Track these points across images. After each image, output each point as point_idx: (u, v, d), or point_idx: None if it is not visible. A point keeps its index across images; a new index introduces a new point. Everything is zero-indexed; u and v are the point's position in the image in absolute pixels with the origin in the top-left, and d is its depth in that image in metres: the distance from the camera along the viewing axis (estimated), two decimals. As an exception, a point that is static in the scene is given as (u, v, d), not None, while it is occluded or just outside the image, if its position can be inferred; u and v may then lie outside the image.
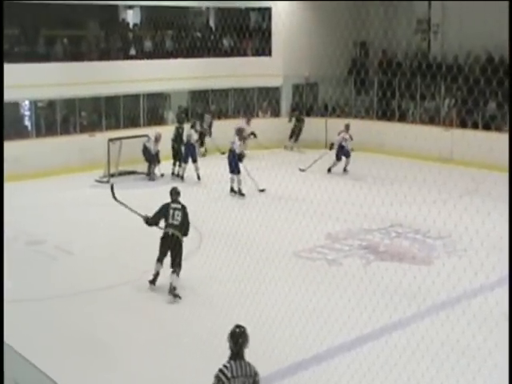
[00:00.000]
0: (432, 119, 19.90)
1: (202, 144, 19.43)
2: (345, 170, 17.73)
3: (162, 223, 9.67)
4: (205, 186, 15.73)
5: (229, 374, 5.06)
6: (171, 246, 9.41)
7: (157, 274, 9.66)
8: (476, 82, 16.65)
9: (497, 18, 17.18)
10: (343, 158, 17.67)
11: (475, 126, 18.64)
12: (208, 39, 20.85)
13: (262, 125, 19.94)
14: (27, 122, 18.63)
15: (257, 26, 22.54)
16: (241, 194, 15.21)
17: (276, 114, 22.51)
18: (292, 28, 21.80)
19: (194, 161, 16.97)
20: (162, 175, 17.41)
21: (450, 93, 19.48)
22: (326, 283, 9.33)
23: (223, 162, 15.46)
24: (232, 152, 15.27)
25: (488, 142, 16.73)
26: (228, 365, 5.12)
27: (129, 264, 10.63)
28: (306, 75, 21.84)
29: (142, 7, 20.95)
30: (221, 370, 5.09)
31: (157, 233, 9.70)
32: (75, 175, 17.02)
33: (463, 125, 18.86)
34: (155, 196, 13.45)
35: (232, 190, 15.36)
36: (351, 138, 17.57)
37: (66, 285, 9.96)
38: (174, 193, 9.80)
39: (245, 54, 21.78)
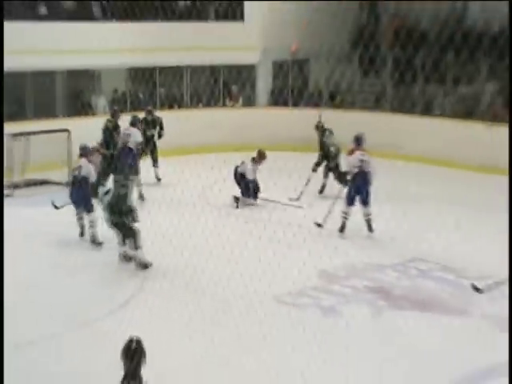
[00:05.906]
0: (469, 112, 19.99)
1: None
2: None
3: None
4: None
5: None
6: None
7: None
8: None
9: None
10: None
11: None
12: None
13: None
14: None
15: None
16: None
17: (250, 102, 22.52)
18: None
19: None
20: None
21: (495, 75, 19.60)
22: (320, 341, 9.18)
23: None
24: None
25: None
26: None
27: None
28: (292, 49, 21.88)
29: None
30: None
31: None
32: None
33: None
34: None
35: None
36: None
37: None
38: None
39: (206, 18, 21.85)
